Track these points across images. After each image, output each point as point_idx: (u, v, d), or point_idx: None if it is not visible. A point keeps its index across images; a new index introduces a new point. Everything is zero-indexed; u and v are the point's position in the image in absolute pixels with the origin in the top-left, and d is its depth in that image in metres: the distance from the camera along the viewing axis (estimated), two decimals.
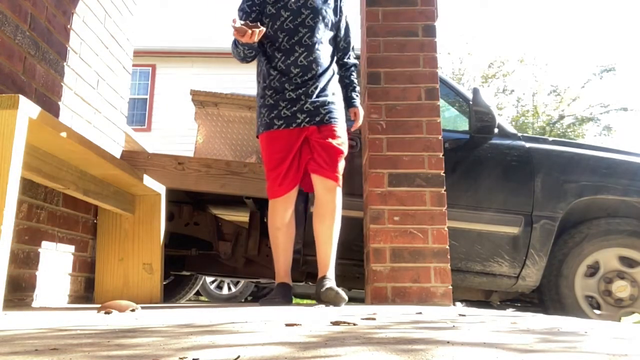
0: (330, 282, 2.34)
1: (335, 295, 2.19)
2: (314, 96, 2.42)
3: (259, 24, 2.23)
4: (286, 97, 2.42)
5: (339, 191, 2.44)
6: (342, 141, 2.47)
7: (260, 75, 2.52)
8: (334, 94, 2.51)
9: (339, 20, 2.60)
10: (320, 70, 2.45)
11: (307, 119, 2.40)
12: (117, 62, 3.11)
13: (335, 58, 2.61)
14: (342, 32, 2.63)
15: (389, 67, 2.80)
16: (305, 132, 2.42)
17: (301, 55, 2.43)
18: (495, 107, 3.13)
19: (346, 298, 2.23)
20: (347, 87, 2.68)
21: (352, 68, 2.70)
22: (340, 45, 2.63)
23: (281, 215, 2.44)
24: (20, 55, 2.17)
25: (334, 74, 2.55)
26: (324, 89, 2.45)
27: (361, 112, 2.66)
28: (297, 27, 2.45)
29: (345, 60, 2.68)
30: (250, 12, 2.46)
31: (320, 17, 2.48)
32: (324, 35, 2.50)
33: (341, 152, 2.45)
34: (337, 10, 2.59)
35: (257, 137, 2.56)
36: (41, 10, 2.31)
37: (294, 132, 2.41)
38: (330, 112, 2.44)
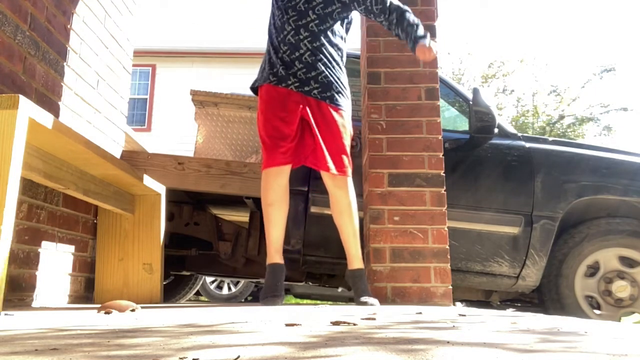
0: (365, 286, 2.35)
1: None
2: (307, 66, 2.36)
3: None
4: (284, 59, 2.38)
5: (349, 182, 2.38)
6: (344, 130, 2.38)
7: (268, 32, 2.52)
8: (337, 81, 2.41)
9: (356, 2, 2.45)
10: (318, 36, 2.38)
11: (297, 84, 2.36)
12: (117, 62, 3.11)
13: (343, 53, 2.50)
14: (368, 2, 2.43)
15: (389, 67, 2.80)
16: (304, 105, 2.34)
17: (291, 17, 2.39)
18: (495, 107, 3.13)
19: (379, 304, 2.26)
20: (408, 33, 2.36)
21: (405, 13, 2.39)
22: (377, 11, 2.43)
23: (274, 189, 2.34)
24: (20, 55, 2.17)
25: (338, 64, 2.44)
26: (321, 61, 2.37)
27: (430, 45, 2.26)
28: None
29: (389, 16, 2.40)
30: None
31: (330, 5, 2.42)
32: (329, 18, 2.41)
33: (343, 144, 2.37)
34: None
35: (251, 88, 2.53)
36: (41, 10, 2.31)
37: (290, 99, 2.35)
38: (322, 89, 2.36)
